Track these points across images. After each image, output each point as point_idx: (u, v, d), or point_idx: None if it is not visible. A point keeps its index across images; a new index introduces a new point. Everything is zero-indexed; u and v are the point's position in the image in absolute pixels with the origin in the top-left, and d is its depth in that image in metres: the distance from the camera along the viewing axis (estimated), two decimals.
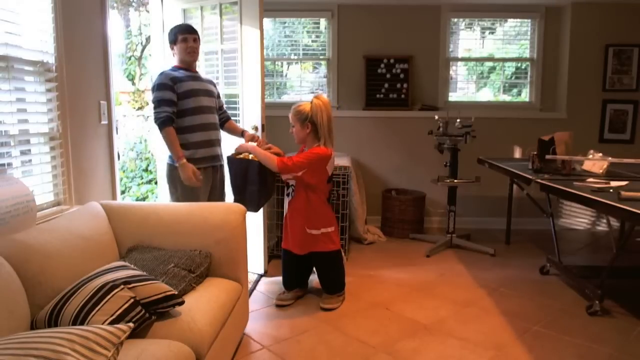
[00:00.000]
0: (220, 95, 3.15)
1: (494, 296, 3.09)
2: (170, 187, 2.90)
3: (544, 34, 4.68)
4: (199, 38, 2.91)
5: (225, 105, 3.30)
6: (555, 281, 3.35)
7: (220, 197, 3.08)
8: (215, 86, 3.05)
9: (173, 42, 2.86)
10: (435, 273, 3.50)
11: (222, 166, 3.04)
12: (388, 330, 2.63)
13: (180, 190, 2.83)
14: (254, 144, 2.96)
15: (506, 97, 4.94)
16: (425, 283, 3.32)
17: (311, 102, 2.81)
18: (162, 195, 3.74)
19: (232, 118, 3.37)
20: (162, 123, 2.70)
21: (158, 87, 2.75)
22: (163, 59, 3.49)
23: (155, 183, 4.94)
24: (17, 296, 1.59)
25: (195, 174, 2.73)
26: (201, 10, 3.42)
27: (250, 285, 3.17)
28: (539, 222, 4.41)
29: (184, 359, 1.61)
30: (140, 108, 6.94)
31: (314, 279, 3.13)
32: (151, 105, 2.83)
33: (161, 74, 2.81)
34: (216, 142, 2.97)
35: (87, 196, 2.50)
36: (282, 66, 4.93)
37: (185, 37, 2.83)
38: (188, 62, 2.88)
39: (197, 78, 2.90)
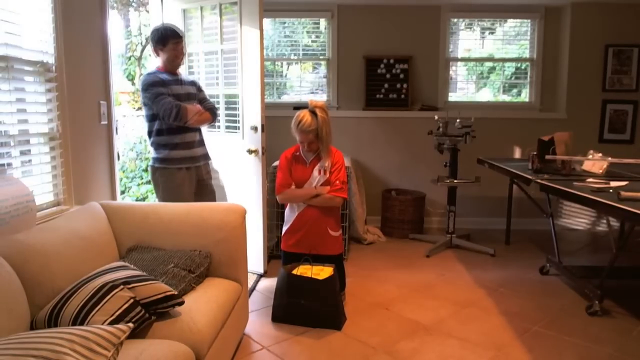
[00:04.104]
0: (202, 88, 3.15)
1: (494, 296, 3.09)
2: (154, 187, 2.98)
3: (543, 34, 4.68)
4: None
5: (225, 106, 3.29)
6: (555, 281, 3.35)
7: (210, 194, 3.13)
8: (194, 84, 3.09)
9: (162, 45, 2.88)
10: (435, 273, 3.50)
11: (205, 164, 3.10)
12: (388, 331, 2.63)
13: (162, 190, 2.90)
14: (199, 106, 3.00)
15: (506, 98, 4.94)
16: (425, 283, 3.31)
17: (315, 116, 2.75)
18: None
19: (233, 118, 3.36)
20: (176, 109, 2.79)
21: (152, 84, 2.81)
22: None
23: None
24: (17, 296, 1.59)
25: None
26: (201, 11, 3.42)
27: (250, 285, 3.16)
28: (539, 223, 4.40)
29: (183, 359, 1.61)
30: (140, 108, 6.94)
31: None
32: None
33: (149, 74, 2.87)
34: (195, 144, 3.00)
35: (87, 196, 2.50)
36: (282, 66, 4.93)
37: (177, 41, 2.89)
38: (175, 66, 2.94)
39: (180, 82, 2.96)
